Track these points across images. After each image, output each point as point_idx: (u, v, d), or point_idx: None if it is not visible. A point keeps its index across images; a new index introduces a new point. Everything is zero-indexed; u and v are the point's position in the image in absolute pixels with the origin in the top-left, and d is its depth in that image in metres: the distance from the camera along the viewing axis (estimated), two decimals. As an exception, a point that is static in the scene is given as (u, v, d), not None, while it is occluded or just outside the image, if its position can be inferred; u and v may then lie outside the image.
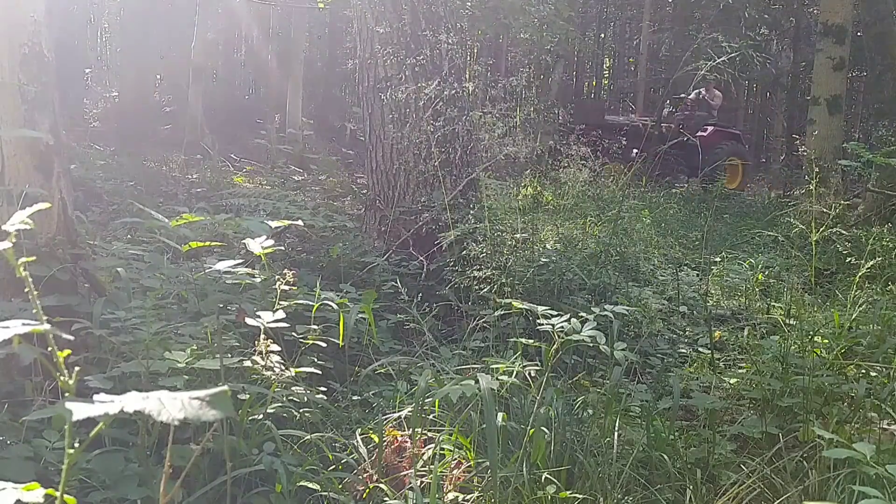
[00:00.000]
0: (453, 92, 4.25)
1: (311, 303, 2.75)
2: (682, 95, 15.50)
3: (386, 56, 4.66)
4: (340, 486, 2.19)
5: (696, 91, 14.61)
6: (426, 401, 2.36)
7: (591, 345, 2.27)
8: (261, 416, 2.24)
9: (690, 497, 2.13)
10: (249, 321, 2.44)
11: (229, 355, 2.40)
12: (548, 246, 4.89)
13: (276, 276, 2.68)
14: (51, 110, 2.64)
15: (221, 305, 2.83)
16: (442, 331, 3.71)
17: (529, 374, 2.45)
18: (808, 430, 2.50)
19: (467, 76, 4.71)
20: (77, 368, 0.91)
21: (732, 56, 3.73)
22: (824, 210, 4.13)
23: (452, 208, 4.16)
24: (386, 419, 2.45)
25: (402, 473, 2.25)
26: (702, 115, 14.06)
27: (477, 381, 2.13)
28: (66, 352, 0.88)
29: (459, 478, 2.21)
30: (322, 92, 18.44)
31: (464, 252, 3.89)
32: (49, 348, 0.86)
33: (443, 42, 4.53)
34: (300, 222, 3.15)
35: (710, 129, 13.87)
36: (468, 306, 3.59)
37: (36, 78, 2.58)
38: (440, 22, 4.75)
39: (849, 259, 4.05)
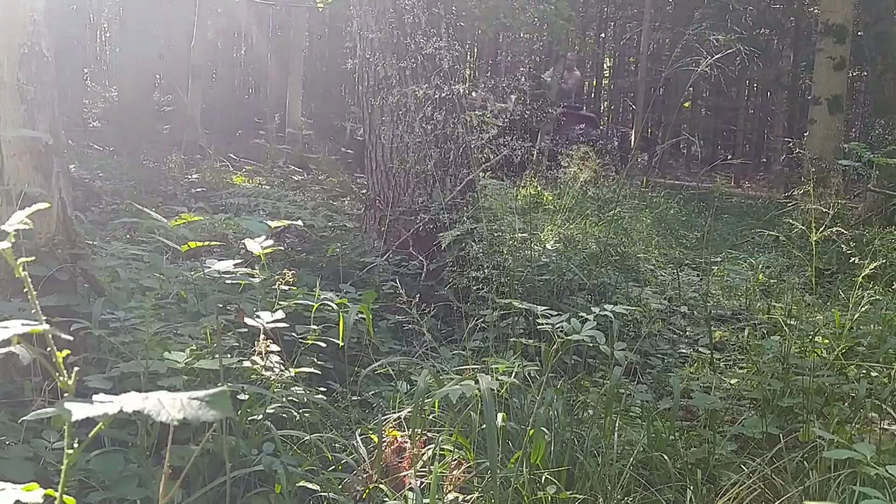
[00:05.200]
0: (443, 94, 4.25)
1: (310, 303, 2.75)
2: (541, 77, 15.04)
3: (385, 59, 4.65)
4: (340, 487, 2.18)
5: (551, 71, 14.12)
6: (426, 401, 2.35)
7: (591, 345, 2.27)
8: (260, 417, 2.24)
9: (691, 497, 2.12)
10: (249, 321, 2.44)
11: (229, 355, 2.40)
12: (548, 246, 4.89)
13: (276, 276, 2.68)
14: (50, 110, 2.64)
15: (221, 305, 2.82)
16: (442, 331, 3.71)
17: (529, 374, 2.45)
18: (808, 430, 2.50)
19: (464, 77, 4.70)
20: (76, 368, 0.91)
21: (729, 53, 3.73)
22: (824, 210, 4.13)
23: (451, 208, 4.15)
24: (385, 419, 2.45)
25: (401, 474, 2.24)
26: (558, 94, 13.20)
27: (477, 382, 2.13)
28: (66, 352, 0.88)
29: (459, 478, 2.21)
30: (322, 92, 18.46)
31: (462, 252, 3.89)
32: (48, 348, 0.86)
33: (441, 43, 4.53)
34: (300, 222, 3.15)
35: (558, 111, 12.97)
36: (468, 306, 3.58)
37: (35, 78, 2.57)
38: (440, 22, 4.74)
39: (852, 259, 4.04)
